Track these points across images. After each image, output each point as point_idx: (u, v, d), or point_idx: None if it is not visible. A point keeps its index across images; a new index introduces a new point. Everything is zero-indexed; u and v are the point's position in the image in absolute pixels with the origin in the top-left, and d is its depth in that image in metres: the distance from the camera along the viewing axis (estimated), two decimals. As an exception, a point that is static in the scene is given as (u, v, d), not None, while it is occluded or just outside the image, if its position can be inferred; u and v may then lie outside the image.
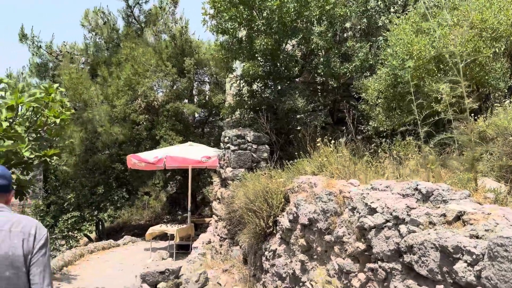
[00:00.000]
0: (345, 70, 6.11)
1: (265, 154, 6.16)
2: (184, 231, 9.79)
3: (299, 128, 6.90)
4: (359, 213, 2.87)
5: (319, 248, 3.44)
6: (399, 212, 2.49)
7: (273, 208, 4.52)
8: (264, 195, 4.61)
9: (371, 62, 6.31)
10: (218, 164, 8.45)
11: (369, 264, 2.76)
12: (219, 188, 6.88)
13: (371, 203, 2.76)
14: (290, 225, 3.97)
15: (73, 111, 5.57)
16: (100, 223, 14.84)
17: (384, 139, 5.43)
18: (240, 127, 6.55)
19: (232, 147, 6.10)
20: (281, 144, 6.25)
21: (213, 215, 7.13)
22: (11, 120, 4.30)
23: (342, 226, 3.10)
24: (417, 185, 2.59)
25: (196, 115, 17.29)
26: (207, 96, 15.97)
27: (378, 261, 2.64)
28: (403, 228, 2.44)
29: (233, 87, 7.03)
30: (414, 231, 2.38)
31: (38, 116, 5.14)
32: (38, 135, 5.39)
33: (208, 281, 5.27)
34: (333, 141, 4.41)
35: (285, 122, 6.55)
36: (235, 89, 7.05)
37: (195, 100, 16.32)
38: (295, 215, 3.85)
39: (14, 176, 5.13)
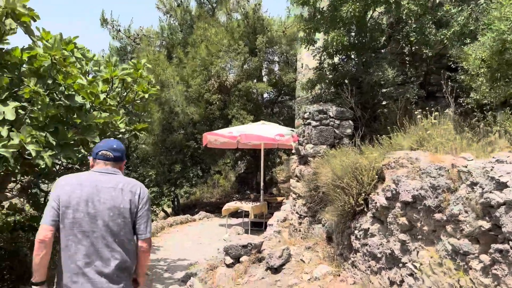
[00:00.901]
0: (442, 36, 5.53)
1: (349, 130, 5.85)
2: (258, 208, 9.85)
3: (384, 103, 6.47)
4: (482, 189, 2.53)
5: (425, 228, 3.13)
6: (542, 187, 2.13)
7: (363, 185, 4.26)
8: (353, 171, 4.36)
9: (471, 28, 5.65)
10: (296, 141, 8.28)
11: (495, 245, 2.42)
12: (297, 166, 6.72)
13: (499, 177, 2.40)
14: (388, 203, 3.68)
15: (158, 87, 5.68)
16: (175, 199, 15.53)
17: (488, 112, 4.88)
18: (321, 102, 6.28)
19: (313, 123, 5.87)
20: (365, 119, 5.89)
21: (291, 193, 7.01)
22: (106, 94, 4.47)
23: (458, 204, 2.77)
24: (562, 156, 2.19)
25: (266, 95, 17.24)
26: (277, 76, 15.79)
27: (510, 242, 2.30)
28: (548, 205, 2.08)
29: (314, 59, 6.74)
30: None
31: (127, 91, 5.32)
32: (127, 110, 5.60)
33: (291, 257, 5.18)
34: (436, 113, 4.00)
35: (370, 96, 6.15)
36: (315, 63, 6.75)
37: (264, 80, 16.25)
38: (394, 192, 3.56)
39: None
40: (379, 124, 6.12)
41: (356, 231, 4.32)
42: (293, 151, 12.04)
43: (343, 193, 4.37)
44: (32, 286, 2.23)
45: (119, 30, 17.55)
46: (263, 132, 9.89)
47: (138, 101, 5.57)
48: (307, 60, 13.37)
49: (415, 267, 3.20)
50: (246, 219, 10.76)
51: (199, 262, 6.79)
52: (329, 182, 4.59)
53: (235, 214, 11.61)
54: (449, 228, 2.86)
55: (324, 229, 5.33)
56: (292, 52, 15.79)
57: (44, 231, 2.17)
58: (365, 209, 4.25)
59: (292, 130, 10.51)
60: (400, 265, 3.46)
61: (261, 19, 14.81)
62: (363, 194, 4.20)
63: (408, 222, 3.38)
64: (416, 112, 4.27)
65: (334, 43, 5.73)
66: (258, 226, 10.38)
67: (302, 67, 13.63)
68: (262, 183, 11.00)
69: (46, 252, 2.17)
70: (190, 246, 8.50)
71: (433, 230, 3.07)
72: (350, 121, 5.83)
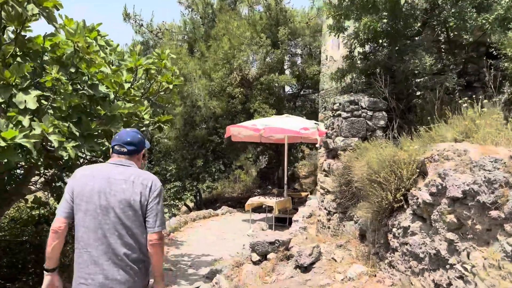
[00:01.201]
0: (484, 21, 5.14)
1: (382, 122, 5.54)
2: (282, 204, 9.63)
3: (418, 93, 6.11)
4: (553, 184, 2.22)
5: (477, 226, 2.83)
6: None
7: (402, 179, 3.97)
8: (391, 165, 4.07)
9: (516, 11, 5.23)
10: (323, 135, 8.01)
11: None
12: (326, 160, 6.44)
13: None
14: (432, 199, 3.39)
15: (182, 78, 5.50)
16: (198, 193, 15.45)
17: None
18: (352, 93, 5.98)
19: (344, 114, 5.58)
20: (400, 110, 5.56)
21: (319, 188, 6.75)
22: (130, 84, 4.31)
23: (520, 200, 2.47)
24: None
25: (288, 88, 16.94)
26: (300, 68, 15.43)
27: None
28: None
29: (344, 48, 6.42)
30: None
31: (151, 82, 5.15)
32: (151, 102, 5.45)
33: (321, 255, 4.93)
34: (485, 101, 3.67)
35: (404, 86, 5.81)
36: (343, 53, 6.44)
37: (287, 73, 15.94)
38: (439, 187, 3.26)
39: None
40: (414, 116, 5.78)
41: (394, 229, 4.04)
42: (318, 145, 11.71)
43: (379, 189, 4.08)
44: (44, 272, 2.33)
45: (142, 25, 17.55)
46: (287, 125, 9.63)
47: (161, 93, 5.41)
48: (331, 51, 13.00)
49: (466, 269, 2.91)
50: (269, 214, 10.56)
51: (224, 258, 6.64)
52: (364, 177, 4.31)
53: (258, 209, 11.42)
54: (508, 227, 2.56)
55: (357, 226, 5.06)
56: (316, 44, 15.42)
57: (57, 222, 2.25)
58: (404, 206, 3.96)
59: (317, 123, 10.22)
60: (447, 266, 3.17)
61: (284, 10, 14.49)
62: (402, 190, 3.91)
63: (457, 220, 3.08)
64: (460, 101, 3.94)
65: (367, 29, 5.41)
66: (282, 222, 10.17)
67: (326, 59, 13.26)
68: (285, 178, 10.75)
69: (59, 242, 2.26)
70: (214, 241, 8.35)
71: (487, 229, 2.77)
72: (384, 112, 5.52)
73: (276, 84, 14.40)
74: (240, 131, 10.52)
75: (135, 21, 17.22)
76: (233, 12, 15.75)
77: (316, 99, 16.87)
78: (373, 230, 4.54)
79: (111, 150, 2.49)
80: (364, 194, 4.41)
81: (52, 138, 2.99)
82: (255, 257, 5.38)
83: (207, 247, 7.85)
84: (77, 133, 3.36)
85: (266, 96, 13.94)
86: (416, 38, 6.41)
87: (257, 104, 13.60)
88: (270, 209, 10.11)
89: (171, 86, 5.11)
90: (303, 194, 12.06)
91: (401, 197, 4.00)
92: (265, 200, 9.47)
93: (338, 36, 6.01)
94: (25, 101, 3.00)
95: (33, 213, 6.57)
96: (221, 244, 8.13)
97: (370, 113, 5.49)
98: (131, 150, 2.44)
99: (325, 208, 6.29)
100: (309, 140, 11.72)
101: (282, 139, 11.19)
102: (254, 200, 9.68)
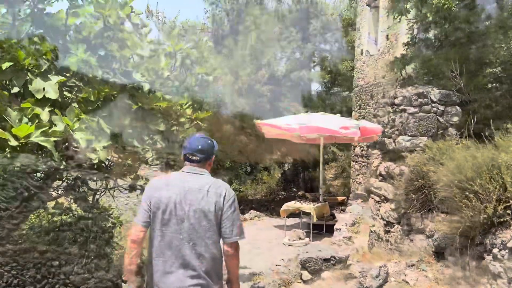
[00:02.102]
0: None
1: (455, 118, 4.72)
2: (320, 209, 8.82)
3: (489, 86, 5.27)
4: None
5: None
6: None
7: (505, 188, 3.17)
8: (490, 170, 3.28)
9: None
10: (377, 133, 7.21)
11: None
12: (382, 163, 5.65)
13: None
14: None
15: (220, 70, 4.80)
16: (223, 196, 14.83)
17: None
18: (416, 85, 5.17)
19: (411, 109, 4.77)
20: (478, 104, 4.73)
21: (372, 195, 5.95)
22: (168, 72, 3.63)
23: None
24: None
25: (317, 86, 16.18)
26: (331, 64, 14.61)
27: None
28: None
29: (407, 33, 5.61)
30: None
31: (187, 73, 4.47)
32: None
33: (388, 276, 4.15)
34: None
35: (480, 77, 4.98)
36: (407, 37, 5.62)
37: (317, 69, 15.17)
38: None
39: (158, 146, 4.59)
40: (490, 111, 4.94)
41: (494, 250, 3.23)
42: (355, 144, 10.82)
43: (475, 199, 3.29)
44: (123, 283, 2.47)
45: (165, 22, 17.06)
46: (325, 124, 8.79)
47: (196, 87, 4.73)
48: (367, 46, 12.14)
49: None
50: (303, 220, 9.78)
51: (264, 273, 5.90)
52: (454, 184, 3.51)
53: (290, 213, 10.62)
54: None
55: (431, 242, 4.25)
56: (347, 38, 14.58)
57: (136, 231, 2.25)
58: (509, 221, 3.16)
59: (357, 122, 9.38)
60: None
61: (315, 2, 13.71)
62: (510, 201, 3.11)
63: None
64: None
65: (438, 9, 4.61)
66: (317, 229, 9.37)
67: (361, 53, 12.40)
68: (321, 181, 9.95)
69: (137, 252, 2.25)
70: (249, 251, 7.61)
71: None
72: (457, 107, 4.70)
73: (302, 82, 13.67)
74: (269, 130, 9.77)
75: (158, 19, 16.75)
76: (260, 7, 15.06)
77: (348, 97, 16.01)
78: (457, 248, 3.73)
79: (182, 157, 2.46)
80: (453, 205, 3.61)
81: (78, 136, 2.34)
82: (307, 275, 4.64)
83: (242, 257, 6.97)
84: (108, 130, 2.69)
85: (295, 94, 13.21)
86: (487, 23, 5.56)
87: (286, 102, 12.88)
88: (303, 214, 9.35)
89: (210, 78, 4.42)
90: (340, 198, 11.23)
91: (504, 210, 3.20)
92: (301, 206, 8.69)
93: (400, 19, 5.21)
94: (44, 89, 2.35)
95: (55, 219, 5.99)
96: (257, 253, 7.41)
97: (441, 108, 4.68)
98: (202, 158, 2.38)
99: (381, 218, 5.50)
100: (345, 140, 10.86)
101: (316, 139, 10.38)
102: (290, 206, 8.90)
